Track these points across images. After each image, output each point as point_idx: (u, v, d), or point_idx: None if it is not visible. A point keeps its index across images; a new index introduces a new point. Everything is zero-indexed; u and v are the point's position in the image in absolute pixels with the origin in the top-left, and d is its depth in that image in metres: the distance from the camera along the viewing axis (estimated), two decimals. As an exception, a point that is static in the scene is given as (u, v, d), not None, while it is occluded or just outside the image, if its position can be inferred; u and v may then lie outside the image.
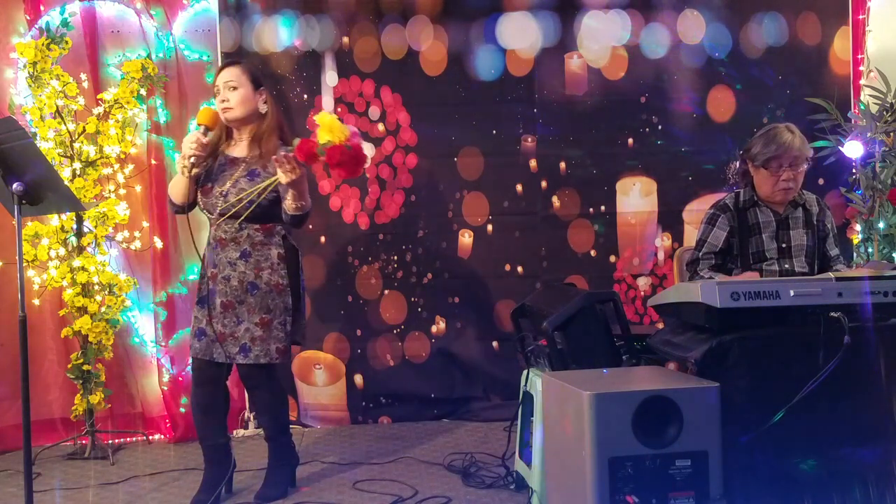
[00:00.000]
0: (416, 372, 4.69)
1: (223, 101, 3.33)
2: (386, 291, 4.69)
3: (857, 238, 4.57)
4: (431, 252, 4.69)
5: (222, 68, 3.41)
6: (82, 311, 4.12)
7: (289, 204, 3.19)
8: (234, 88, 3.32)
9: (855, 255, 4.58)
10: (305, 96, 4.59)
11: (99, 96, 4.23)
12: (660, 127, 4.69)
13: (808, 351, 2.61)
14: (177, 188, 3.35)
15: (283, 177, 3.07)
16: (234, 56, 4.46)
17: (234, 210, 3.24)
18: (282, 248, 3.33)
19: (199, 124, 3.27)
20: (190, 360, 3.42)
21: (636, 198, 4.72)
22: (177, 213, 3.47)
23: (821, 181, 4.61)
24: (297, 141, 3.01)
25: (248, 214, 3.23)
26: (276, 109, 3.43)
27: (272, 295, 3.30)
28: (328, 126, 2.90)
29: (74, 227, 4.15)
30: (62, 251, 4.15)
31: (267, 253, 3.32)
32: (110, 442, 4.35)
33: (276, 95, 4.51)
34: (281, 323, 3.31)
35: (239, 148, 3.40)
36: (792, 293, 2.68)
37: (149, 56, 4.37)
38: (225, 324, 3.28)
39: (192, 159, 3.23)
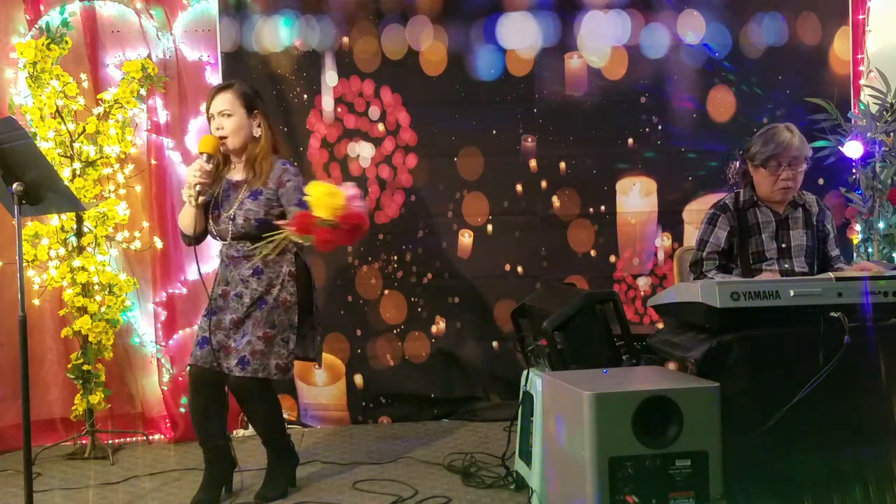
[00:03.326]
0: (416, 372, 4.69)
1: (218, 128, 3.36)
2: (386, 291, 4.69)
3: (857, 238, 4.57)
4: (431, 252, 4.69)
5: (215, 94, 3.40)
6: (82, 311, 4.12)
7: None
8: (229, 116, 3.34)
9: (855, 255, 4.58)
10: (305, 96, 4.59)
11: (99, 96, 4.23)
12: (660, 127, 4.69)
13: (808, 351, 2.61)
14: (186, 219, 3.37)
15: (292, 235, 3.10)
16: (234, 56, 4.48)
17: (250, 250, 3.29)
18: (293, 266, 3.35)
19: (200, 152, 3.29)
20: (188, 365, 3.41)
21: (636, 198, 4.71)
22: (189, 244, 3.48)
23: (821, 181, 4.60)
24: (293, 211, 3.14)
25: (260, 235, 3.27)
26: (269, 130, 3.43)
27: (279, 311, 3.31)
28: (321, 200, 2.92)
29: (74, 227, 4.15)
30: (62, 251, 4.14)
31: (279, 270, 3.33)
32: (110, 442, 4.35)
33: (276, 95, 4.53)
34: (284, 339, 3.32)
35: (238, 171, 3.43)
36: (792, 293, 2.68)
37: (149, 56, 4.36)
38: (234, 338, 3.29)
39: (198, 187, 3.25)
